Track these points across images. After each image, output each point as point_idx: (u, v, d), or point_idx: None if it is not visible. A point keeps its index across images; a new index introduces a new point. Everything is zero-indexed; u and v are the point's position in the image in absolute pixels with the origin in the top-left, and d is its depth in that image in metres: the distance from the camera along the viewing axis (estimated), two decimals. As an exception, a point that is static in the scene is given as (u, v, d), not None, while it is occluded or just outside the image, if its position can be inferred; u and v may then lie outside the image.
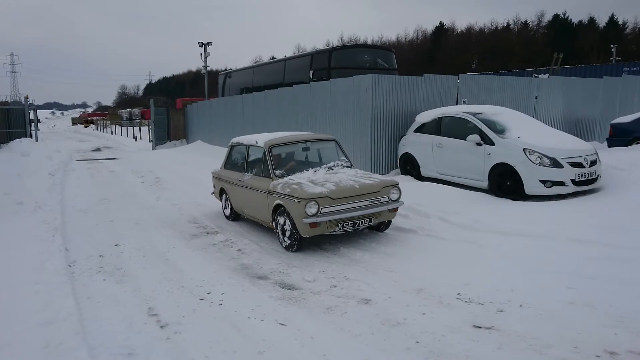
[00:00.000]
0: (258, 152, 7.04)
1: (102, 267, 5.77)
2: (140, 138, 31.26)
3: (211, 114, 20.58)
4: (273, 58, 37.61)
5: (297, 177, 6.31)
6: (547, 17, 69.60)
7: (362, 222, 5.98)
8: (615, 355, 3.36)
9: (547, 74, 21.02)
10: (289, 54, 25.65)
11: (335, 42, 74.91)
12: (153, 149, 22.97)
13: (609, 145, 11.59)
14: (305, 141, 7.05)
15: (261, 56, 77.85)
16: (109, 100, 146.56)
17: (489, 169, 8.15)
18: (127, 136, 35.13)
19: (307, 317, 4.26)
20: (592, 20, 68.36)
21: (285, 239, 6.12)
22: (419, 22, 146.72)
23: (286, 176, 6.39)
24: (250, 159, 7.25)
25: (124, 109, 68.84)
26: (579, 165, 7.66)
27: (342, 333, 3.92)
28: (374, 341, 3.75)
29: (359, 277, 5.13)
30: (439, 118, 9.40)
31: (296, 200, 5.75)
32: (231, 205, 7.76)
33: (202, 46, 33.30)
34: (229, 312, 4.41)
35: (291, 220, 5.90)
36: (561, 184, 7.57)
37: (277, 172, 6.49)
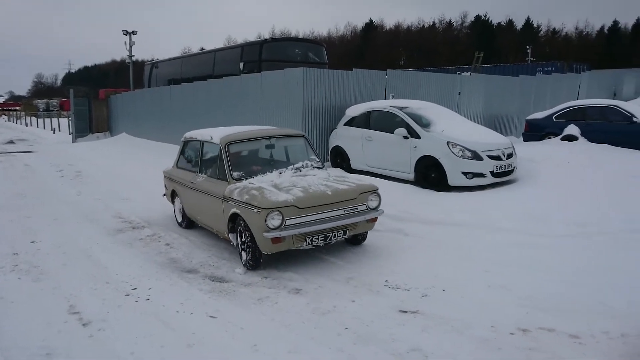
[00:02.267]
0: (213, 149, 6.04)
1: (17, 265, 5.42)
2: (59, 130, 29.49)
3: (137, 106, 19.80)
4: (202, 49, 36.76)
5: (258, 181, 5.35)
6: (470, 18, 72.93)
7: (335, 234, 5.05)
8: (527, 332, 3.62)
9: (469, 72, 22.07)
10: (219, 45, 25.16)
11: (266, 35, 74.37)
12: (73, 141, 21.73)
13: (525, 140, 12.37)
14: (269, 137, 6.08)
15: (189, 47, 75.79)
16: (22, 89, 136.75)
17: (415, 162, 8.45)
18: (45, 128, 33.01)
19: (237, 308, 4.24)
20: (510, 22, 72.43)
21: (244, 254, 5.19)
22: (349, 18, 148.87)
23: (245, 179, 5.44)
24: (205, 157, 6.26)
25: (40, 99, 64.58)
26: (497, 157, 8.12)
27: (273, 323, 3.94)
28: (305, 329, 3.80)
29: (290, 267, 5.17)
30: (368, 112, 9.60)
31: (255, 210, 4.79)
32: (184, 210, 6.74)
33: (126, 34, 31.90)
34: (156, 307, 4.30)
35: (250, 233, 4.95)
36: (481, 175, 7.99)
37: (235, 173, 5.50)
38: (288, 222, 4.80)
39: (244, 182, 5.36)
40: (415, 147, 8.43)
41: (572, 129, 11.16)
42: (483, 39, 61.90)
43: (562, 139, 11.10)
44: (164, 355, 3.48)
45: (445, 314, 3.96)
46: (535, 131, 12.17)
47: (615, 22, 66.45)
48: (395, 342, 3.54)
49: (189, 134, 6.80)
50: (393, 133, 8.69)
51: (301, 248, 4.97)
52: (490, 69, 31.40)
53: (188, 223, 6.79)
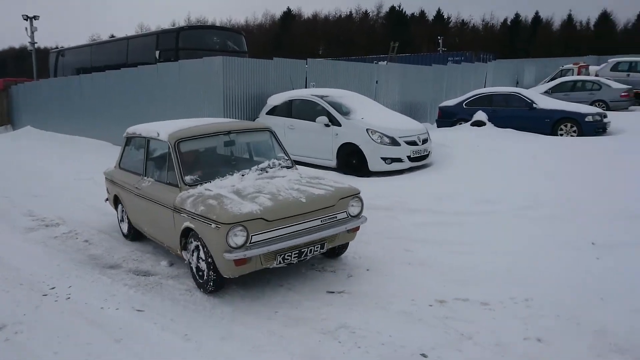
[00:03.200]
0: (161, 148, 5.13)
1: None
2: (-48, 124, 26.81)
3: (43, 97, 18.48)
4: (113, 37, 34.92)
5: (215, 186, 4.42)
6: (385, 9, 74.87)
7: (310, 249, 4.22)
8: (444, 303, 3.92)
9: (386, 61, 22.80)
10: (131, 33, 24.04)
11: (181, 22, 71.86)
12: (-30, 136, 19.93)
13: (438, 126, 13.06)
14: (229, 132, 5.09)
15: (99, 35, 71.55)
16: None
17: (337, 149, 8.68)
18: None
19: (166, 301, 4.20)
20: (422, 13, 75.23)
21: (199, 276, 4.31)
22: (267, 6, 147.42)
23: (200, 184, 4.50)
24: (151, 157, 5.31)
25: None
26: (413, 143, 8.54)
27: (204, 312, 3.95)
28: (236, 316, 3.85)
29: (218, 257, 5.16)
30: (289, 101, 9.69)
31: (214, 226, 3.87)
32: (129, 220, 5.74)
33: (27, 20, 29.56)
34: (78, 305, 4.15)
35: (207, 252, 4.06)
36: (399, 160, 8.38)
37: (187, 178, 4.54)
38: (254, 239, 3.90)
39: (199, 189, 4.42)
40: (337, 134, 8.65)
41: (480, 115, 11.94)
42: (397, 29, 63.92)
43: (471, 125, 11.87)
44: (90, 352, 3.40)
45: (369, 291, 4.17)
46: (448, 117, 12.88)
47: (517, 15, 71.22)
48: (324, 321, 3.70)
49: (132, 129, 5.75)
50: (315, 121, 8.85)
51: (270, 267, 4.13)
52: (405, 58, 32.57)
53: (135, 234, 5.74)
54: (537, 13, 70.67)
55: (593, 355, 3.14)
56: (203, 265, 4.16)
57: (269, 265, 4.05)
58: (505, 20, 72.22)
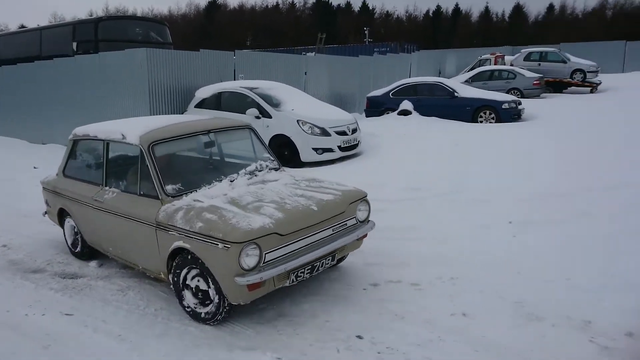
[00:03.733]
0: (128, 152, 4.45)
1: None
2: None
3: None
4: (23, 27, 32.61)
5: (205, 196, 3.79)
6: (312, 0, 74.99)
7: (322, 263, 3.75)
8: (377, 286, 4.09)
9: (314, 52, 22.94)
10: (45, 23, 22.55)
11: (100, 12, 68.30)
12: None
13: (367, 116, 13.38)
14: (208, 131, 4.43)
15: (6, 25, 66.42)
16: None
17: (268, 141, 8.68)
18: None
19: (96, 302, 4.06)
20: (348, 4, 76.11)
21: (201, 307, 3.59)
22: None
23: (185, 194, 3.83)
24: (113, 164, 4.57)
25: None
26: (343, 133, 8.72)
27: (138, 310, 3.87)
28: (170, 314, 3.81)
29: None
30: (218, 93, 9.55)
31: (221, 246, 3.25)
32: (82, 237, 4.91)
33: None
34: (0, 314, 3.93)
35: (211, 278, 3.43)
36: (330, 150, 8.53)
37: (169, 187, 3.82)
38: (267, 257, 3.35)
39: (186, 200, 3.75)
40: (268, 126, 8.65)
41: (406, 104, 12.36)
42: (325, 20, 64.37)
43: (398, 114, 12.25)
44: (16, 361, 3.24)
45: (306, 281, 4.25)
46: (375, 107, 13.22)
47: (438, 7, 73.80)
48: (261, 311, 3.74)
49: (82, 130, 4.87)
50: (245, 113, 8.80)
51: (281, 287, 3.57)
52: (332, 49, 32.90)
53: (90, 253, 4.94)
54: (456, 5, 73.67)
55: (514, 324, 3.41)
56: (211, 292, 3.46)
57: (281, 285, 3.51)
58: (428, 11, 74.75)
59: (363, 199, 4.14)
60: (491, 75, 17.83)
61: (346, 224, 3.95)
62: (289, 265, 3.40)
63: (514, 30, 62.44)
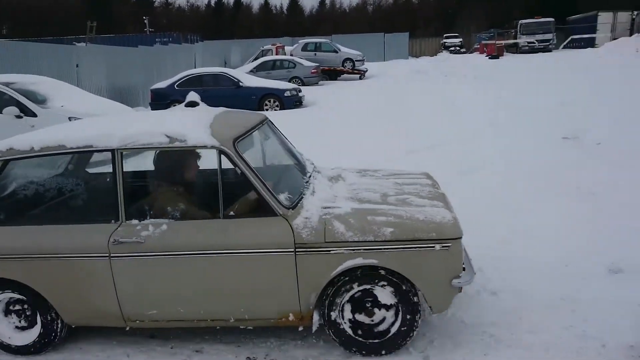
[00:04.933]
0: (179, 162, 3.16)
1: None
2: None
3: None
4: None
5: (324, 201, 3.00)
6: (76, -15, 68.06)
7: None
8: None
9: (85, 43, 20.94)
10: None
11: None
12: None
13: (153, 109, 12.82)
14: (262, 122, 3.47)
15: None
16: None
17: (36, 143, 7.69)
18: None
19: None
20: (124, -9, 71.09)
21: (378, 333, 2.84)
22: None
23: (299, 204, 2.89)
24: (138, 184, 3.37)
25: None
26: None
27: None
28: None
29: None
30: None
31: (438, 247, 2.68)
32: (57, 316, 2.99)
33: None
34: None
35: (411, 294, 2.75)
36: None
37: (283, 197, 2.84)
38: None
39: (309, 209, 2.86)
40: (33, 126, 7.63)
41: (193, 96, 12.17)
42: (97, 8, 59.11)
43: (186, 106, 12.00)
44: None
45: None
46: (161, 100, 12.76)
47: (219, -2, 73.98)
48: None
49: (19, 144, 3.03)
50: (1, 113, 7.63)
51: None
52: (108, 39, 30.45)
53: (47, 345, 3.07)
54: (237, -4, 74.77)
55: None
56: (389, 314, 2.80)
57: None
58: (209, 2, 74.35)
59: None
60: (274, 65, 18.65)
61: None
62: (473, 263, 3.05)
63: (292, 22, 66.24)
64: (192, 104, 12.01)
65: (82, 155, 3.49)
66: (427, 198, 3.07)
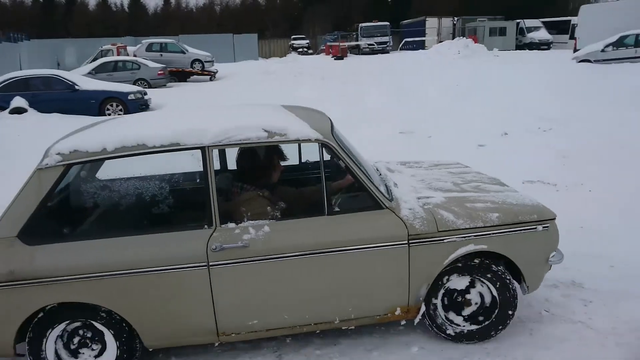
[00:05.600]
0: (271, 159, 3.00)
1: None
2: None
3: None
4: None
5: (413, 191, 3.02)
6: None
7: None
8: None
9: None
10: None
11: None
12: None
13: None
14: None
15: None
16: None
17: None
18: None
19: None
20: None
21: (468, 324, 2.88)
22: None
23: (393, 195, 2.87)
24: (227, 186, 2.98)
25: None
26: None
27: None
28: None
29: None
30: None
31: (541, 228, 2.80)
32: (139, 340, 2.65)
33: None
34: None
35: (498, 281, 2.81)
36: None
37: (383, 188, 2.85)
38: None
39: (408, 200, 2.84)
40: None
41: (19, 101, 10.92)
42: None
43: (10, 112, 10.71)
44: None
45: None
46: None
47: (49, -8, 66.94)
48: None
49: (85, 145, 2.59)
50: None
51: None
52: None
53: None
54: (71, -9, 68.41)
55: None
56: (487, 297, 2.86)
57: None
58: (37, -4, 66.89)
59: None
60: (115, 67, 17.42)
61: None
62: None
63: (134, 21, 62.54)
64: (19, 110, 10.77)
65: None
66: (495, 184, 3.22)
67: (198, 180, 3.22)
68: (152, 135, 2.56)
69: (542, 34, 31.73)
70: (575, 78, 11.58)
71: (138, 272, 2.47)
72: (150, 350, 2.72)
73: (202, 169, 2.56)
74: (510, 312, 2.82)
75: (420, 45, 33.02)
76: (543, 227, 2.81)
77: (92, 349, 2.64)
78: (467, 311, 2.86)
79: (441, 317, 2.84)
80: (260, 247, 2.53)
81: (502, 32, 32.01)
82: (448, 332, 2.84)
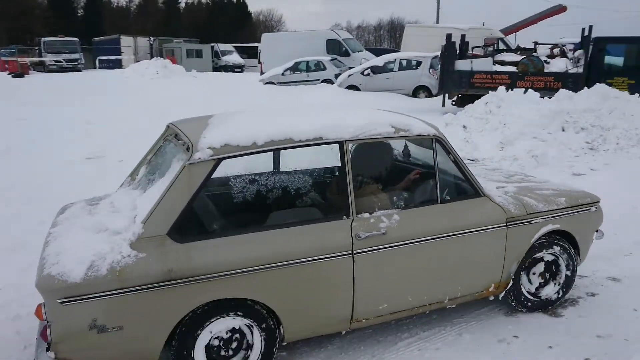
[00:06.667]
0: (396, 153, 3.43)
1: None
2: None
3: None
4: None
5: (486, 183, 3.29)
6: None
7: None
8: None
9: None
10: None
11: None
12: None
13: None
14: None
15: None
16: None
17: None
18: None
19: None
20: None
21: (551, 289, 3.31)
22: None
23: None
24: (361, 177, 3.01)
25: None
26: None
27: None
28: None
29: None
30: None
31: (594, 209, 3.39)
32: (282, 330, 2.67)
33: None
34: None
35: (571, 247, 3.32)
36: None
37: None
38: None
39: (495, 189, 3.22)
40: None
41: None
42: None
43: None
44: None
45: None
46: None
47: None
48: None
49: (235, 138, 2.55)
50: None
51: None
52: None
53: None
54: None
55: None
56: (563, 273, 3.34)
57: None
58: None
59: None
60: None
61: None
62: None
63: None
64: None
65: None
66: (530, 176, 3.83)
67: (337, 174, 3.37)
68: (299, 129, 2.62)
69: (235, 58, 34.20)
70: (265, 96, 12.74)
71: (291, 263, 2.49)
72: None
73: (339, 164, 2.70)
74: (573, 281, 3.33)
75: (117, 64, 31.43)
76: (595, 208, 3.36)
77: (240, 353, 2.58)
78: (544, 283, 3.28)
79: (524, 290, 3.20)
80: (396, 234, 2.70)
81: (199, 54, 33.17)
82: (528, 303, 3.23)
